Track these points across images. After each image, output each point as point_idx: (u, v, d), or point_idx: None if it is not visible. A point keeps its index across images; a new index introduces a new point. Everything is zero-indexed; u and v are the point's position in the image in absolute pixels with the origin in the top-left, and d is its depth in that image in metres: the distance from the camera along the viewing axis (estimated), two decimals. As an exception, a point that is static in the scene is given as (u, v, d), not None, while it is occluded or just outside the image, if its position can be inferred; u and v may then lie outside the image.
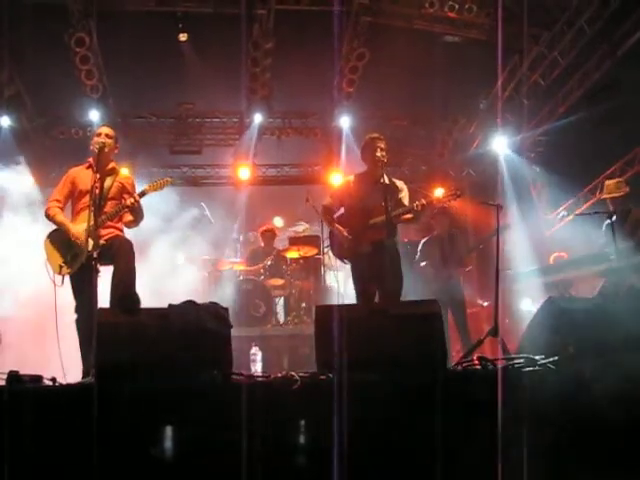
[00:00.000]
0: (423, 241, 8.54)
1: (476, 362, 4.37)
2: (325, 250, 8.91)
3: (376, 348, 4.10)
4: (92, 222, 5.09)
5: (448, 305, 7.83)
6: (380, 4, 9.32)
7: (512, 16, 8.97)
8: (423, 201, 5.93)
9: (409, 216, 5.98)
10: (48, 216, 5.44)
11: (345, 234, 5.98)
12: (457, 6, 9.18)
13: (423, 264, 8.31)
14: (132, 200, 5.29)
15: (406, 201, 6.09)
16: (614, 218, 6.67)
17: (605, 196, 7.03)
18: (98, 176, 5.31)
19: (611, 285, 6.51)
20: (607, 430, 3.85)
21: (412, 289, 7.47)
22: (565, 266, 7.50)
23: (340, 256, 6.20)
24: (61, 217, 5.40)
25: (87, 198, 5.24)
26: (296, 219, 11.51)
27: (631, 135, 9.48)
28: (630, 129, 9.16)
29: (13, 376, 3.94)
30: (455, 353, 7.33)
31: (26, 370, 4.06)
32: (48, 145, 11.24)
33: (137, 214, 5.43)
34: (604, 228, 7.00)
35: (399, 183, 6.20)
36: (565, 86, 9.89)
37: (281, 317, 9.77)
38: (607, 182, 7.21)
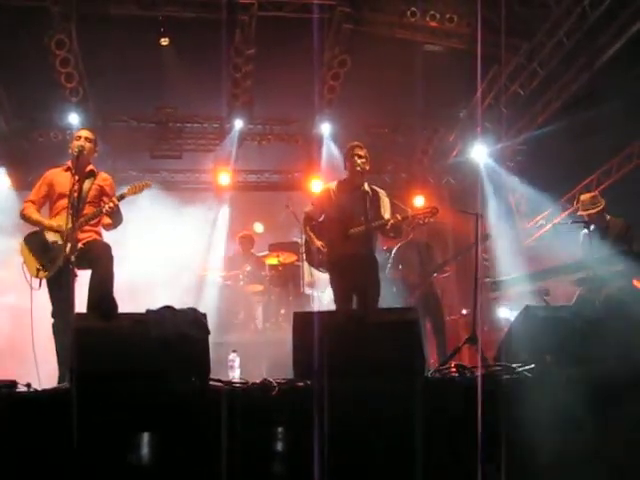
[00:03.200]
0: (397, 246, 8.34)
1: (454, 370, 4.40)
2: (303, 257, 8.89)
3: (354, 355, 4.10)
4: (70, 225, 5.05)
5: (426, 312, 7.83)
6: (362, 12, 9.36)
7: (492, 26, 9.04)
8: (398, 217, 5.92)
9: (390, 234, 6.01)
10: (23, 216, 5.39)
11: (319, 246, 5.97)
12: (438, 15, 9.26)
13: (400, 268, 8.23)
14: (111, 204, 5.26)
15: (386, 213, 6.07)
16: (592, 227, 6.73)
17: (581, 212, 7.07)
18: (77, 179, 5.27)
19: (588, 294, 6.56)
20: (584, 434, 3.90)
21: (389, 295, 7.49)
22: (543, 275, 7.54)
23: (318, 265, 6.19)
24: (37, 215, 5.36)
25: (65, 201, 5.20)
26: (276, 225, 11.48)
27: (608, 146, 9.61)
28: (607, 140, 9.29)
29: (-13, 382, 3.90)
30: (432, 361, 7.34)
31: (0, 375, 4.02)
32: (27, 148, 11.12)
33: (116, 217, 5.40)
34: (581, 238, 7.06)
35: (380, 193, 6.19)
36: (544, 96, 10.00)
37: (260, 323, 9.73)
38: (582, 197, 7.21)
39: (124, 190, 5.40)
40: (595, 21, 8.26)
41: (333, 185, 6.28)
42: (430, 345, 7.79)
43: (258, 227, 11.56)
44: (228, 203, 11.73)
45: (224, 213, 11.65)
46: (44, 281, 5.17)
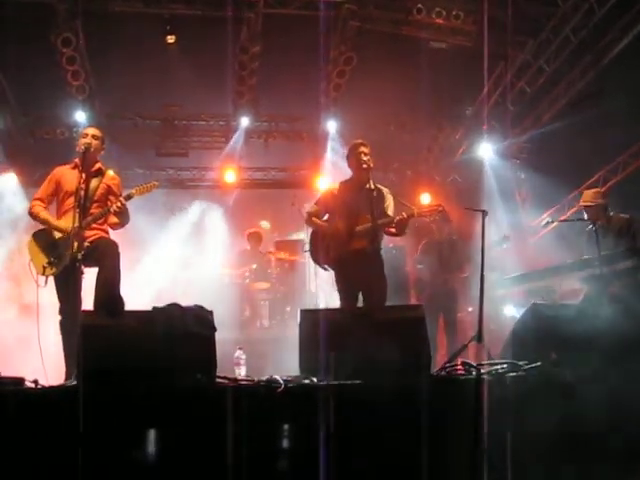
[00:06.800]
0: (423, 243, 8.55)
1: (460, 367, 4.40)
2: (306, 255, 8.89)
3: (360, 352, 4.11)
4: (77, 223, 5.05)
5: (441, 310, 7.86)
6: (368, 9, 9.35)
7: (498, 23, 9.04)
8: (404, 214, 5.90)
9: (392, 230, 6.00)
10: (31, 214, 5.40)
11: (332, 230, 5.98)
12: (444, 12, 9.25)
13: (420, 267, 8.35)
14: (118, 204, 5.24)
15: (390, 211, 6.04)
16: (596, 225, 6.71)
17: (581, 203, 7.12)
18: (84, 177, 5.26)
19: (594, 292, 6.55)
20: (589, 434, 3.89)
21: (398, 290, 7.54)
22: (549, 273, 7.53)
23: (324, 262, 6.18)
24: (45, 214, 5.36)
25: (72, 199, 5.19)
26: (282, 223, 11.50)
27: (615, 143, 9.58)
28: (613, 137, 9.26)
29: (-6, 378, 3.91)
30: (440, 357, 7.35)
31: (7, 372, 4.03)
32: (33, 145, 11.14)
33: (123, 217, 5.39)
34: (586, 235, 7.05)
35: (385, 191, 6.16)
36: (550, 94, 9.98)
37: (266, 321, 9.76)
38: (586, 191, 7.28)
39: (131, 190, 5.40)
40: (602, 18, 8.25)
41: (337, 185, 6.28)
42: (441, 342, 7.82)
43: (265, 225, 11.58)
44: (233, 201, 11.75)
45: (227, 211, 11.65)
46: (50, 278, 5.19)
